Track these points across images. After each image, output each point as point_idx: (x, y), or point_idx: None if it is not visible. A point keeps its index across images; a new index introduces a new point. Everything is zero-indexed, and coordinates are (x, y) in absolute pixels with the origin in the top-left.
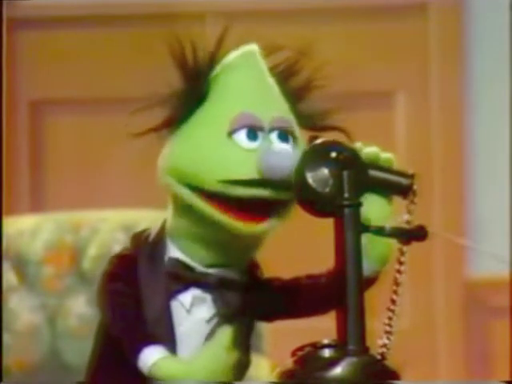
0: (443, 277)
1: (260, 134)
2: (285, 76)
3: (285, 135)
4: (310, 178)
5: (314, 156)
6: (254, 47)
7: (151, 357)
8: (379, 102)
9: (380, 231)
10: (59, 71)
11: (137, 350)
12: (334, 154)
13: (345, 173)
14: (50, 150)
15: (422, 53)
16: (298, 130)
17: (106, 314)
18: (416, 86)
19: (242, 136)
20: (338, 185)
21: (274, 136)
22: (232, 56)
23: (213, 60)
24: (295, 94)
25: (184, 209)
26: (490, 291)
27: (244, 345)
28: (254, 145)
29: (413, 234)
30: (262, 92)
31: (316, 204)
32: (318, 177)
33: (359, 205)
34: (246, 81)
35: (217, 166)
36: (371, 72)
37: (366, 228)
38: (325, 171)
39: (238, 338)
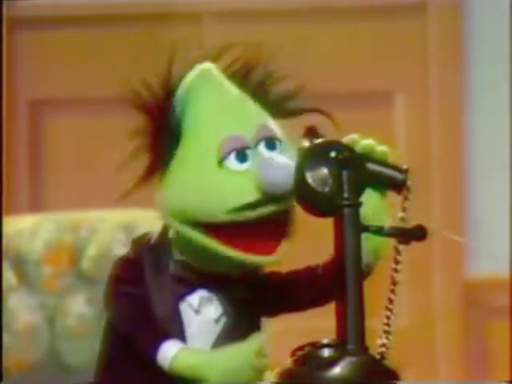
0: (443, 276)
1: (248, 152)
2: (243, 73)
3: (271, 143)
4: (310, 177)
5: (314, 156)
6: (207, 64)
7: (170, 350)
8: (379, 101)
9: (379, 231)
10: (59, 71)
11: (155, 347)
12: (333, 154)
13: (344, 172)
14: (50, 149)
15: (421, 53)
16: (279, 131)
17: (117, 316)
18: (415, 85)
19: (232, 160)
20: (337, 184)
21: (261, 148)
22: (190, 78)
23: (170, 86)
24: (259, 89)
25: (188, 245)
26: (489, 291)
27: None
28: (245, 165)
29: (412, 234)
30: (234, 107)
31: (316, 204)
32: (318, 176)
33: (359, 204)
34: (215, 102)
35: (218, 198)
36: (370, 72)
37: (366, 227)
38: (324, 171)
39: (264, 342)
